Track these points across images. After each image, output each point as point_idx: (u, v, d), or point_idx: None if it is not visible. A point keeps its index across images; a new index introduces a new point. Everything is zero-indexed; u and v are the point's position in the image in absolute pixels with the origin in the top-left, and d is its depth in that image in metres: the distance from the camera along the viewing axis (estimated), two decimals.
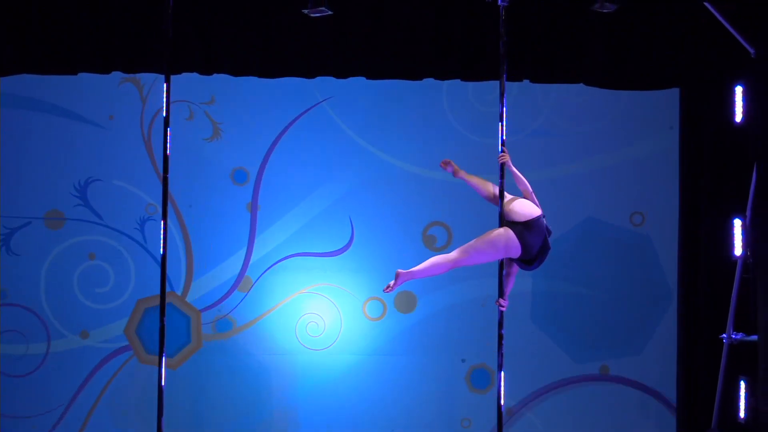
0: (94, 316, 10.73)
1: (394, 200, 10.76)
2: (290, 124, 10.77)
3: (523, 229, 7.32)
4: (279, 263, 10.75)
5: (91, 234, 10.80)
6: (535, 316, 10.49)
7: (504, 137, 7.66)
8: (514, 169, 7.50)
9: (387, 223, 10.70)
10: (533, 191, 7.54)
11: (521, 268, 7.55)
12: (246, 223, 10.79)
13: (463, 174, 7.68)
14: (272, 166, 10.78)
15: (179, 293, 10.80)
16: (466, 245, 7.28)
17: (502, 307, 7.62)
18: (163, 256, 8.04)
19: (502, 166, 7.55)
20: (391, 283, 7.18)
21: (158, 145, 10.52)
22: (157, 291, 10.03)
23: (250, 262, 10.77)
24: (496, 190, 7.56)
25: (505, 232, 7.31)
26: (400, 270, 7.18)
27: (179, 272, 10.80)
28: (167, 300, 10.10)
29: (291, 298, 10.72)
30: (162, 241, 8.11)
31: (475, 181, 7.68)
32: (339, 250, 10.73)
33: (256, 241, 10.79)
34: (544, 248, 7.42)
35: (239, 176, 10.79)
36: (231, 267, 10.80)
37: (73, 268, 10.74)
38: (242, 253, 10.76)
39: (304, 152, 10.76)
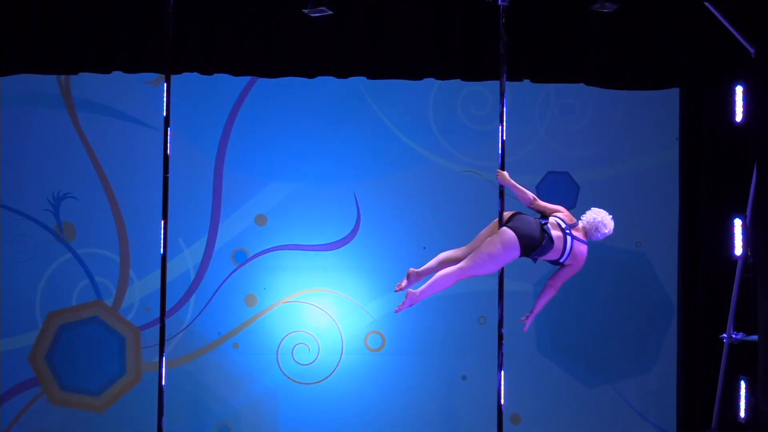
0: None
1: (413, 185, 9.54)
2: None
3: (513, 222, 7.34)
4: (253, 260, 9.27)
5: None
6: (536, 321, 10.47)
7: (504, 137, 7.67)
8: (513, 181, 7.50)
9: (390, 217, 9.86)
10: (537, 196, 7.55)
11: (540, 256, 7.46)
12: (207, 201, 8.76)
13: (419, 273, 7.46)
14: (241, 126, 8.85)
15: (110, 304, 8.47)
16: (470, 255, 7.31)
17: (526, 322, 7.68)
18: (164, 257, 7.85)
19: (501, 183, 7.55)
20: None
21: (80, 95, 8.63)
22: (80, 300, 8.12)
23: (212, 257, 8.85)
24: (449, 253, 7.50)
25: (499, 233, 7.31)
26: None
27: (110, 274, 8.48)
28: (92, 314, 7.98)
29: (272, 308, 9.44)
30: (162, 241, 7.81)
31: (427, 266, 7.57)
32: (339, 241, 9.61)
33: (220, 227, 8.87)
34: (544, 229, 7.39)
35: (196, 138, 8.72)
36: (184, 264, 8.74)
37: None
38: (201, 244, 8.88)
39: (286, 107, 9.18)
